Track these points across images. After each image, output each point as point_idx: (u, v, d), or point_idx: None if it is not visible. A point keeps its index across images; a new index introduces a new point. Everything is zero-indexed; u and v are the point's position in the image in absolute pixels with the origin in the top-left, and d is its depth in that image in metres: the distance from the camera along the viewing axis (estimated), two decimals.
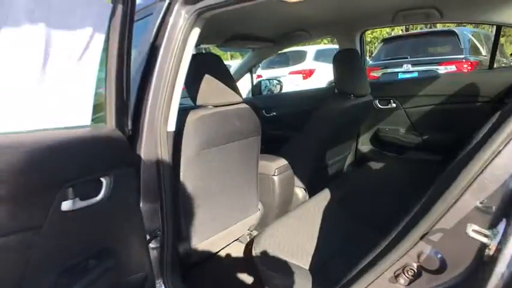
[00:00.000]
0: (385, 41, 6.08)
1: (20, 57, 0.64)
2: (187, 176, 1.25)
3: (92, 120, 0.84)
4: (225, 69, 1.48)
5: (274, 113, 2.73)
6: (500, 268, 0.44)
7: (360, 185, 1.77)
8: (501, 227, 0.46)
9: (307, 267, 1.04)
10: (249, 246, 1.65)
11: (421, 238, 0.57)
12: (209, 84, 1.33)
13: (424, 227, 0.57)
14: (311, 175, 1.90)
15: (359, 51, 2.19)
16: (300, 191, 1.87)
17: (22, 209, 0.62)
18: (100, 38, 0.77)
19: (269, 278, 1.05)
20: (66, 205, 0.70)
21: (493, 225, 0.49)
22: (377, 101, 2.21)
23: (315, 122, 1.87)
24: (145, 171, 1.04)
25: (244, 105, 1.47)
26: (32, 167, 0.64)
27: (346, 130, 2.03)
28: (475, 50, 5.15)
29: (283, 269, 1.03)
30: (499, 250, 0.45)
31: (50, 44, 0.67)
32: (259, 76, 7.17)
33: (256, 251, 1.13)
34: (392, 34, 6.18)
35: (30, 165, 0.64)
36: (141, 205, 1.01)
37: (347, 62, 1.81)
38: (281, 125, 2.58)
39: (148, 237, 1.01)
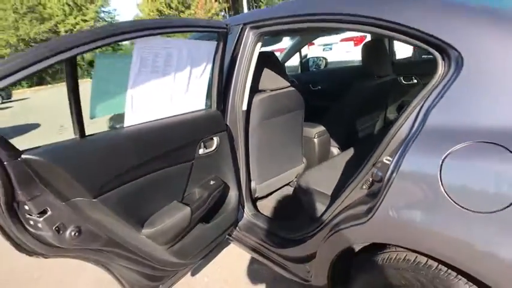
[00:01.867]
0: None
1: (179, 80, 1.32)
2: (253, 138, 1.90)
3: None
4: (278, 61, 2.08)
5: (319, 87, 3.27)
6: (389, 173, 1.01)
7: None
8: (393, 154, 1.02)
9: (329, 194, 1.66)
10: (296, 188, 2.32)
11: (374, 165, 1.16)
12: (267, 75, 1.95)
13: (375, 159, 1.14)
14: (345, 137, 2.47)
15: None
16: (335, 150, 2.47)
17: (185, 152, 1.35)
18: (210, 63, 1.43)
19: (304, 200, 1.71)
20: (200, 151, 1.42)
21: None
22: (402, 78, 2.65)
23: (348, 95, 2.42)
24: (230, 133, 1.71)
25: (291, 88, 2.07)
26: (185, 131, 1.35)
27: (373, 102, 2.53)
28: None
29: (312, 194, 1.67)
30: (388, 165, 1.02)
31: (191, 71, 1.34)
32: (311, 44, 7.46)
33: (297, 185, 1.79)
34: None
35: (185, 130, 1.35)
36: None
37: (372, 52, 2.28)
38: (325, 97, 3.12)
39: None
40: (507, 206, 0.76)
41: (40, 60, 0.80)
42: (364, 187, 1.19)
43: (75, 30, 33.10)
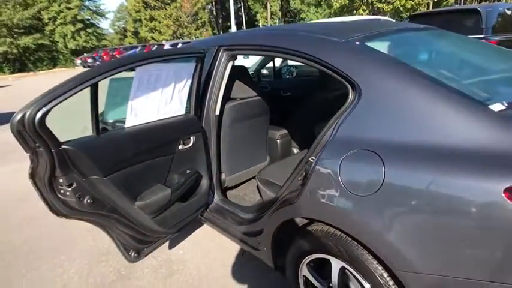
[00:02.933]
0: (411, 18, 6.24)
1: (165, 93, 1.72)
2: (225, 138, 2.31)
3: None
4: (248, 74, 2.50)
5: (289, 93, 3.72)
6: (311, 169, 1.44)
7: None
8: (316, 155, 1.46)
9: (281, 184, 2.08)
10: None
11: (306, 163, 1.59)
12: (238, 86, 2.36)
13: (307, 158, 1.57)
14: (304, 139, 2.92)
15: None
16: (295, 150, 2.91)
17: (168, 148, 1.76)
18: (190, 78, 1.84)
19: (261, 190, 2.14)
20: (180, 147, 1.83)
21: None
22: None
23: (310, 104, 2.87)
24: (204, 134, 2.11)
25: (258, 97, 2.49)
26: (168, 131, 1.76)
27: (329, 111, 2.98)
28: (504, 28, 5.11)
29: (268, 185, 2.11)
30: (312, 163, 1.45)
31: (175, 86, 1.75)
32: None
33: (257, 178, 2.22)
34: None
35: (168, 131, 1.76)
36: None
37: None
38: (293, 103, 3.55)
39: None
40: (373, 192, 1.19)
41: (76, 86, 1.22)
42: (299, 179, 1.62)
43: (58, 17, 32.49)
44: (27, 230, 2.86)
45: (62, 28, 32.98)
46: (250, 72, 3.92)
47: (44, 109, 1.17)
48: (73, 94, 1.23)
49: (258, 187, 2.26)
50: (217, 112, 2.12)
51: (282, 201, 1.61)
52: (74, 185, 1.39)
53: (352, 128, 1.35)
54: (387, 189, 1.15)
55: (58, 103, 1.20)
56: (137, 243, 1.76)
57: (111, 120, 1.86)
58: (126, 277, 2.16)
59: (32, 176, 1.31)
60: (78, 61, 28.08)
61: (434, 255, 1.08)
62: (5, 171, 4.34)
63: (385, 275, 1.24)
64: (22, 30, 29.35)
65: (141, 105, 1.58)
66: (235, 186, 2.62)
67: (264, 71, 4.42)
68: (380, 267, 1.25)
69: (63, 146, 1.31)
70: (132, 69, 1.49)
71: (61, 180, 1.35)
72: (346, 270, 1.41)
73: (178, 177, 1.85)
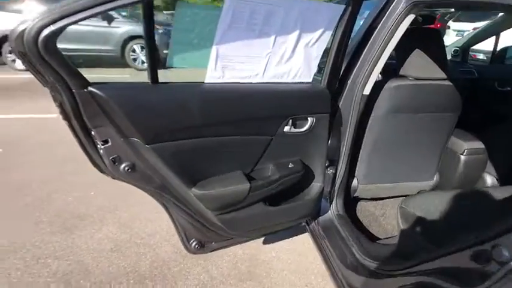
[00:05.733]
0: None
1: (280, 44, 1.12)
2: (371, 131, 1.57)
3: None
4: (441, 44, 1.57)
5: (509, 88, 2.42)
6: None
7: None
8: None
9: (444, 235, 1.21)
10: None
11: None
12: (417, 58, 1.51)
13: None
14: (510, 166, 1.80)
15: None
16: (489, 179, 1.83)
17: (266, 125, 1.21)
18: (330, 30, 1.17)
19: (405, 228, 1.35)
20: (286, 128, 1.24)
21: None
22: None
23: None
24: (339, 118, 1.45)
25: (447, 82, 1.56)
26: (273, 102, 1.19)
27: None
28: None
29: (417, 224, 1.29)
30: None
31: (299, 37, 1.13)
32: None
33: (405, 204, 1.41)
34: None
35: (273, 101, 1.19)
36: (329, 140, 1.45)
37: None
38: (510, 104, 2.30)
39: (327, 163, 1.47)
40: None
41: None
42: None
43: None
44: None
45: None
46: (454, 49, 2.77)
47: (53, 27, 0.76)
48: (106, 11, 0.79)
49: (400, 218, 1.45)
50: (367, 91, 1.40)
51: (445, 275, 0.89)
52: (109, 143, 1.03)
53: None
54: None
55: (77, 21, 0.77)
56: (199, 235, 1.37)
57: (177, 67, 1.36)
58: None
59: (63, 113, 0.95)
60: None
61: None
62: None
63: None
64: None
65: (235, 54, 1.05)
66: (367, 200, 1.87)
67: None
68: None
69: (90, 88, 0.91)
70: None
71: (93, 133, 1.01)
72: None
73: (272, 170, 1.29)
